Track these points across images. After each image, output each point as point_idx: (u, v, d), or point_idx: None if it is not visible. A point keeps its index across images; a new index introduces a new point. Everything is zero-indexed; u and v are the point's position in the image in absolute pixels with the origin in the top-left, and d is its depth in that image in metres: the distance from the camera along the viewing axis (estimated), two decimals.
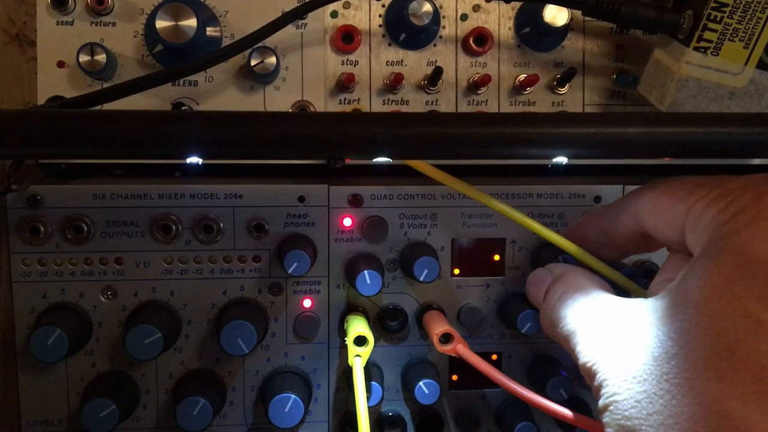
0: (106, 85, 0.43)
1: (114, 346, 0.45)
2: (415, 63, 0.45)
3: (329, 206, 0.46)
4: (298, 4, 0.43)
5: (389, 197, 0.46)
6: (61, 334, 0.40)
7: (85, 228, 0.43)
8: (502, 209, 0.39)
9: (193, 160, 0.41)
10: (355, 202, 0.46)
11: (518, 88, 0.46)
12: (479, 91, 0.46)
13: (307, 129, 0.31)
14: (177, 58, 0.42)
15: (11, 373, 0.45)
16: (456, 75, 0.46)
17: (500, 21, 0.46)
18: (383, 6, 0.45)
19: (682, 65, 0.41)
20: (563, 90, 0.46)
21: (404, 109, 0.45)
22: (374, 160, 0.39)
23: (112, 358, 0.45)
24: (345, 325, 0.45)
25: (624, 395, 0.26)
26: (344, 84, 0.44)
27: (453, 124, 0.32)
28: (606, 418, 0.27)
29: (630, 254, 0.38)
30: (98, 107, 0.40)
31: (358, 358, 0.42)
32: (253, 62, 0.42)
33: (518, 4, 0.45)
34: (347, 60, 0.45)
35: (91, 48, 0.41)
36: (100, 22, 0.43)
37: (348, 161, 0.42)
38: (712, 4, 0.40)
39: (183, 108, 0.43)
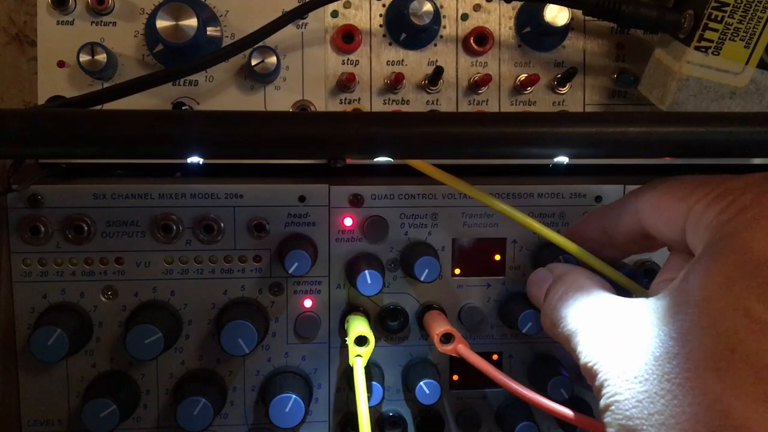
0: (106, 85, 0.43)
1: (114, 346, 0.45)
2: (415, 63, 0.45)
3: (330, 206, 0.46)
4: (299, 4, 0.43)
5: (390, 197, 0.46)
6: (62, 334, 0.40)
7: (86, 228, 0.43)
8: (503, 209, 0.39)
9: (194, 159, 0.41)
10: (356, 201, 0.46)
11: (519, 88, 0.46)
12: (480, 91, 0.46)
13: (308, 129, 0.31)
14: (177, 58, 0.42)
15: (12, 373, 0.45)
16: (456, 75, 0.46)
17: (501, 21, 0.46)
18: (384, 5, 0.45)
19: (682, 65, 0.41)
20: (564, 90, 0.46)
21: (405, 108, 0.45)
22: (375, 159, 0.39)
23: (113, 358, 0.45)
24: (346, 325, 0.45)
25: (625, 395, 0.26)
26: (345, 84, 0.44)
27: (454, 123, 0.32)
28: (607, 418, 0.27)
29: (631, 254, 0.38)
30: (99, 107, 0.40)
31: (358, 358, 0.42)
32: (253, 62, 0.42)
33: (519, 4, 0.45)
34: (348, 60, 0.45)
35: (92, 48, 0.41)
36: (101, 21, 0.43)
37: (349, 161, 0.42)
38: (713, 4, 0.40)
39: (183, 108, 0.43)
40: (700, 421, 0.23)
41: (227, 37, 0.43)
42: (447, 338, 0.43)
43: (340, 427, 0.48)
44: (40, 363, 0.43)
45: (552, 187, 0.47)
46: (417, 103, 0.45)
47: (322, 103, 0.45)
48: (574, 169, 0.49)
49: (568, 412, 0.37)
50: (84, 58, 0.41)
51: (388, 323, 0.47)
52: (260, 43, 0.42)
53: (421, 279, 0.43)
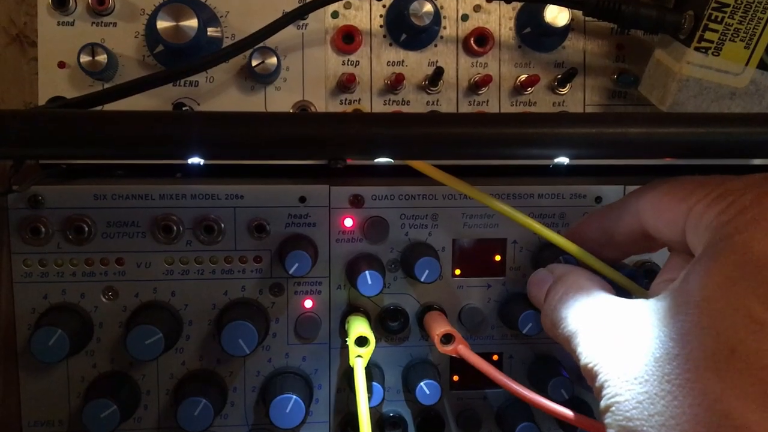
0: (107, 86, 0.43)
1: (115, 347, 0.45)
2: (415, 63, 0.45)
3: (330, 206, 0.46)
4: (299, 5, 0.43)
5: (390, 197, 0.46)
6: (62, 334, 0.40)
7: (86, 228, 0.43)
8: (503, 209, 0.39)
9: (194, 160, 0.41)
10: (356, 202, 0.46)
11: (519, 89, 0.46)
12: (480, 92, 0.46)
13: (308, 129, 0.31)
14: (178, 59, 0.42)
15: (12, 374, 0.45)
16: (457, 75, 0.46)
17: (501, 21, 0.46)
18: (384, 6, 0.45)
19: (683, 65, 0.41)
20: (564, 90, 0.46)
21: (405, 109, 0.45)
22: (375, 160, 0.39)
23: (113, 358, 0.45)
24: (346, 326, 0.45)
25: (625, 396, 0.26)
26: (345, 84, 0.44)
27: (454, 124, 0.32)
28: (608, 419, 0.27)
29: (631, 254, 0.38)
30: (99, 108, 0.40)
31: (359, 359, 0.42)
32: (253, 62, 0.42)
33: (519, 5, 0.45)
34: (348, 60, 0.45)
35: (92, 48, 0.41)
36: (101, 22, 0.43)
37: (349, 161, 0.42)
38: (713, 5, 0.40)
39: (184, 108, 0.43)
40: (700, 422, 0.23)
41: (228, 37, 0.43)
42: (447, 339, 0.43)
43: (340, 428, 0.48)
44: (40, 363, 0.43)
45: (552, 188, 0.47)
46: (417, 103, 0.45)
47: (322, 103, 0.45)
48: (575, 170, 0.49)
49: (568, 412, 0.37)
50: (84, 58, 0.41)
51: (389, 324, 0.47)
52: (261, 44, 0.42)
53: (422, 279, 0.43)
